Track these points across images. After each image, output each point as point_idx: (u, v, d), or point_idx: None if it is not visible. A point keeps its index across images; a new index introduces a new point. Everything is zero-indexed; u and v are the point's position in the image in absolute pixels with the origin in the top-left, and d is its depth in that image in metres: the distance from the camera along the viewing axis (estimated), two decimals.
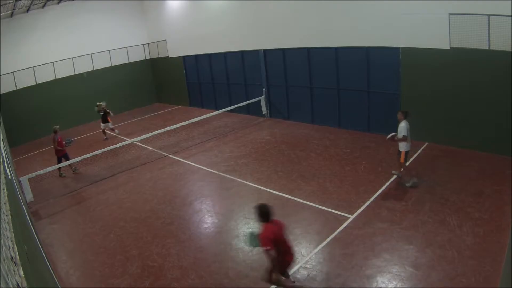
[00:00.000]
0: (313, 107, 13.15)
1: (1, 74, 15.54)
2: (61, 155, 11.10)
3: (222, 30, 15.87)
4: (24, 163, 13.33)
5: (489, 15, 8.06)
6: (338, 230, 6.54)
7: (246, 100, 15.09)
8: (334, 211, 7.23)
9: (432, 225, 6.32)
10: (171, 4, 18.51)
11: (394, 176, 8.31)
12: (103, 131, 14.94)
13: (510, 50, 7.82)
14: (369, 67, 11.04)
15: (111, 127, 14.81)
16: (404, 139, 7.75)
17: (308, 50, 12.66)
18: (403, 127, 7.77)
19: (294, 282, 5.34)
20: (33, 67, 16.79)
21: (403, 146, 7.91)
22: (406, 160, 7.97)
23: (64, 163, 11.03)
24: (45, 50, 17.03)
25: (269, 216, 4.60)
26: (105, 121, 14.67)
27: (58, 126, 11.31)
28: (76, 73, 18.36)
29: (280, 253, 4.54)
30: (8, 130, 13.72)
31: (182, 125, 13.26)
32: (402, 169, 8.13)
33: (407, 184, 7.94)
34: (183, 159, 11.51)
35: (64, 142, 11.08)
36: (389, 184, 8.05)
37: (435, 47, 9.25)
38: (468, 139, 9.21)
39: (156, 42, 20.38)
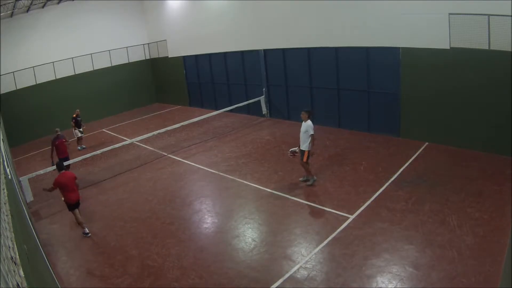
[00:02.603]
0: (313, 107, 13.11)
1: (1, 74, 15.54)
2: (61, 158, 10.62)
3: (222, 30, 15.86)
4: (24, 163, 13.33)
5: (489, 15, 8.06)
6: (338, 230, 6.53)
7: (246, 100, 15.09)
8: (334, 211, 7.22)
9: (432, 225, 6.32)
10: (171, 4, 18.51)
11: (305, 181, 8.52)
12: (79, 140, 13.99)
13: (510, 50, 7.82)
14: (369, 67, 11.04)
15: (80, 135, 13.85)
16: (313, 138, 8.01)
17: (308, 50, 12.65)
18: (310, 126, 8.00)
19: (84, 229, 7.53)
20: (33, 67, 16.79)
21: (306, 146, 8.10)
22: (308, 159, 8.23)
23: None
24: (45, 50, 17.04)
25: (60, 169, 7.59)
26: (79, 126, 13.81)
27: (58, 129, 10.98)
28: (76, 73, 18.37)
29: (65, 192, 7.34)
30: (8, 130, 13.71)
31: (182, 125, 13.26)
32: (308, 169, 8.39)
33: (308, 183, 8.33)
34: (183, 159, 11.51)
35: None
36: (389, 184, 8.05)
37: (435, 47, 9.25)
38: (468, 139, 9.21)
39: (156, 42, 20.38)
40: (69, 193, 7.42)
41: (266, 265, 5.92)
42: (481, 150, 8.93)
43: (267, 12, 13.69)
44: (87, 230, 7.54)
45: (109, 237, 7.38)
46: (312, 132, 8.02)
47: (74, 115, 13.72)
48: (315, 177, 8.49)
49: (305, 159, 8.20)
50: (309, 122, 8.12)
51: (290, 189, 8.42)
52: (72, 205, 7.53)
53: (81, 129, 13.86)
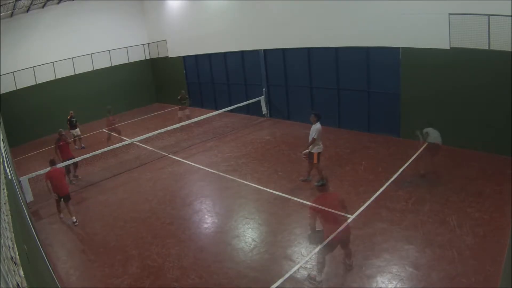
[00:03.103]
0: (313, 107, 13.13)
1: (1, 74, 15.53)
2: (65, 159, 10.44)
3: (222, 30, 15.86)
4: (24, 163, 13.32)
5: (489, 15, 8.06)
6: (338, 230, 6.52)
7: (246, 100, 15.08)
8: (334, 211, 7.20)
9: (432, 225, 6.32)
10: (171, 4, 18.51)
11: (304, 181, 8.60)
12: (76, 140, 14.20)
13: (510, 50, 7.82)
14: (369, 67, 11.04)
15: (76, 136, 14.03)
16: (313, 141, 8.00)
17: (308, 50, 12.65)
18: (316, 129, 8.03)
19: (63, 217, 8.40)
20: (33, 67, 16.78)
21: (315, 148, 8.12)
22: (318, 161, 8.24)
23: (66, 162, 10.81)
24: (45, 50, 17.03)
25: (52, 164, 8.40)
26: (73, 127, 13.92)
27: (62, 130, 10.79)
28: (76, 73, 18.37)
29: (55, 186, 8.07)
30: (8, 130, 13.71)
31: (182, 125, 13.26)
32: (311, 170, 8.44)
33: (316, 184, 8.20)
34: (183, 159, 11.51)
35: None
36: (389, 184, 8.04)
37: (435, 47, 9.25)
38: (468, 139, 9.21)
39: (156, 42, 20.38)
40: (58, 186, 8.15)
41: (266, 265, 5.92)
42: (481, 150, 8.93)
43: (267, 12, 13.69)
44: (74, 219, 8.19)
45: (109, 237, 7.38)
46: (313, 136, 8.00)
47: (69, 117, 13.83)
48: (324, 181, 8.40)
49: (315, 161, 8.18)
50: (317, 125, 8.09)
51: (290, 189, 8.42)
52: (62, 197, 8.25)
53: (76, 130, 13.92)
